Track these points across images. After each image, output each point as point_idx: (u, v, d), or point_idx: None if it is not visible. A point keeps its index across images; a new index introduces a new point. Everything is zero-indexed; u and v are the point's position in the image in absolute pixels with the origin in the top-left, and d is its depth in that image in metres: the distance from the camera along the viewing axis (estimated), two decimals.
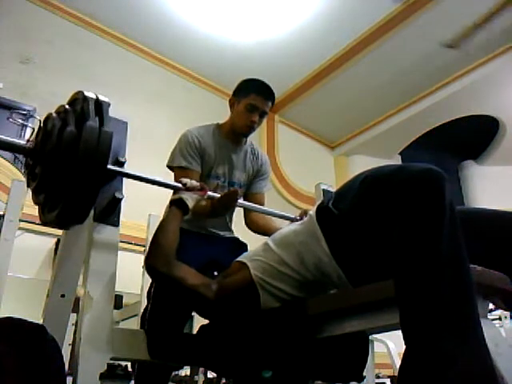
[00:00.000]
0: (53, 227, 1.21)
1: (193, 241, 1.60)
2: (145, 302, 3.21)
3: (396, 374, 3.87)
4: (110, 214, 1.31)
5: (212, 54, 6.13)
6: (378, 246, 1.01)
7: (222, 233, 1.80)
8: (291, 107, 7.22)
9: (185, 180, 1.39)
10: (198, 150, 1.70)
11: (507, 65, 6.19)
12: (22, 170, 5.12)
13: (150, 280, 1.65)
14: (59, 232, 1.56)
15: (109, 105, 1.18)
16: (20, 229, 3.36)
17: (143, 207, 3.99)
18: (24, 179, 4.60)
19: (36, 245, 4.75)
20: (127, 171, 1.32)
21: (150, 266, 1.17)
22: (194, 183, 1.37)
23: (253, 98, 1.72)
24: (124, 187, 1.36)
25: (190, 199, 1.30)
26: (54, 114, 1.20)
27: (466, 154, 8.91)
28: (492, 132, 8.13)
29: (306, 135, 8.01)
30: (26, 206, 3.19)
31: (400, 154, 8.33)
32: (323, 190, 2.03)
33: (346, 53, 6.14)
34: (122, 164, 1.35)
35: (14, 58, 5.29)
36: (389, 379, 4.69)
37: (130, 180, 1.38)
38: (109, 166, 1.18)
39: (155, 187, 1.52)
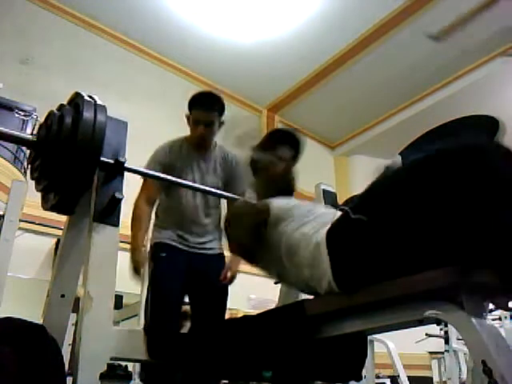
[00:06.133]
0: (57, 212, 1.33)
1: (176, 257, 1.86)
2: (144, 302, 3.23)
3: (396, 374, 3.87)
4: (110, 213, 1.31)
5: (212, 54, 6.12)
6: (385, 251, 0.95)
7: (204, 246, 1.97)
8: (291, 107, 7.21)
9: None
10: (162, 163, 1.87)
11: (507, 65, 6.18)
12: (22, 170, 5.12)
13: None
14: (59, 232, 1.57)
15: (98, 98, 1.34)
16: (20, 229, 3.36)
17: None
18: (24, 179, 4.60)
19: (36, 245, 4.75)
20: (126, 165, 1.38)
21: None
22: None
23: (195, 113, 1.85)
24: (124, 187, 1.36)
25: None
26: (55, 111, 1.33)
27: None
28: (492, 132, 8.13)
29: (306, 135, 8.00)
30: (26, 205, 3.20)
31: (400, 154, 8.33)
32: (323, 190, 2.03)
33: (346, 53, 6.13)
34: (121, 164, 1.35)
35: (14, 57, 5.29)
36: (389, 379, 4.68)
37: (130, 180, 1.39)
38: (102, 158, 1.29)
39: None
